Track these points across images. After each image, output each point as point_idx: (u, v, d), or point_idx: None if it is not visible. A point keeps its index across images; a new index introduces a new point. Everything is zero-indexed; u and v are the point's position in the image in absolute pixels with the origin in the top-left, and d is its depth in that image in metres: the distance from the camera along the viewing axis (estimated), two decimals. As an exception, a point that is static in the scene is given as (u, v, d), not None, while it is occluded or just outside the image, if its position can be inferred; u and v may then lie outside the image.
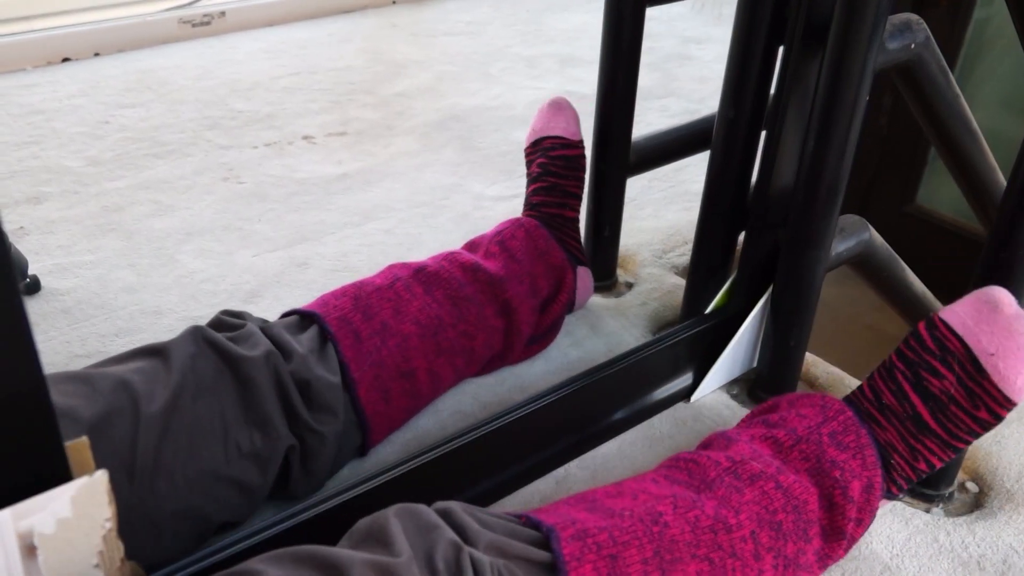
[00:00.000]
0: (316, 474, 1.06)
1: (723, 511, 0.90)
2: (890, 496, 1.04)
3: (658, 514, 0.88)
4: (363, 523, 0.82)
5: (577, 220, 1.40)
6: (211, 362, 1.00)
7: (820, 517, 0.96)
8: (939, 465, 1.03)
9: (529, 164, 1.42)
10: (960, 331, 0.99)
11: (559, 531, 0.83)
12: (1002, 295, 0.98)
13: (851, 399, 1.06)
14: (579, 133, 1.38)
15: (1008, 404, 0.97)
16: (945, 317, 1.01)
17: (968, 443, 1.01)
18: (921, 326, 1.02)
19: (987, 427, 0.99)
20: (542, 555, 0.81)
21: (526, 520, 0.87)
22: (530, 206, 1.39)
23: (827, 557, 0.97)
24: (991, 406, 0.98)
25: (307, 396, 1.03)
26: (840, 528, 0.96)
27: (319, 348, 1.08)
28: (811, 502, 0.95)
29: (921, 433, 1.01)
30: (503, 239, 1.30)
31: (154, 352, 1.00)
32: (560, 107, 1.38)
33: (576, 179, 1.38)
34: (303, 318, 1.13)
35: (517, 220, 1.35)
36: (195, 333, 1.02)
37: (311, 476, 1.06)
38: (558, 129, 1.37)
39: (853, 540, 0.99)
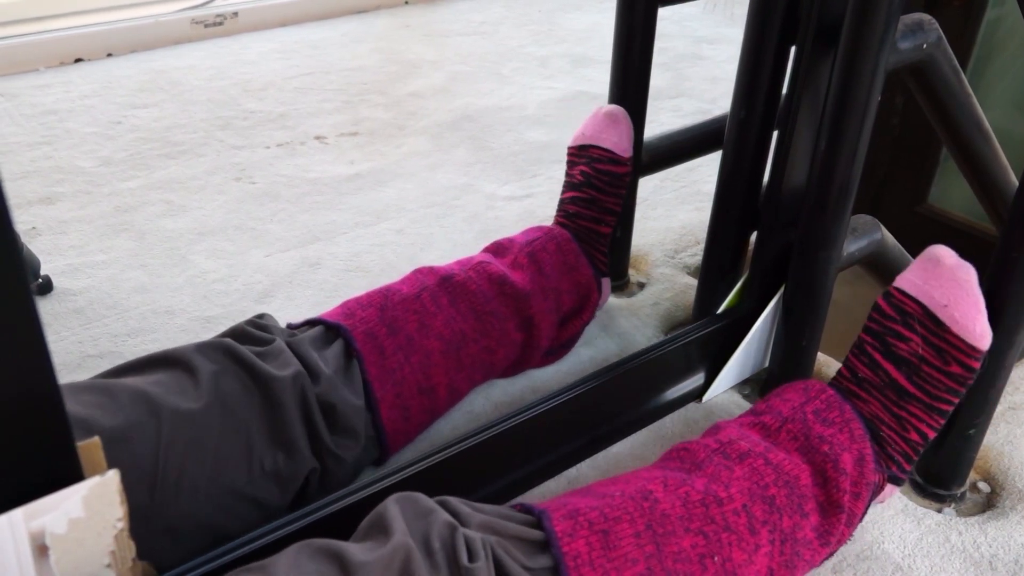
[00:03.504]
0: (332, 493, 1.06)
1: (713, 486, 0.92)
2: (896, 480, 1.04)
3: (648, 492, 0.89)
4: (367, 517, 0.84)
5: (610, 236, 1.37)
6: (238, 379, 0.99)
7: (816, 493, 0.97)
8: (930, 434, 1.04)
9: (570, 166, 1.38)
10: (912, 292, 1.03)
11: (551, 512, 0.85)
12: (941, 250, 1.02)
13: (831, 381, 1.10)
14: (630, 150, 1.34)
15: (974, 352, 1.00)
16: (897, 283, 1.05)
17: (952, 404, 1.03)
18: (879, 298, 1.06)
19: (963, 382, 1.02)
20: (535, 534, 0.83)
21: (520, 507, 0.88)
22: (565, 215, 1.36)
23: (827, 533, 0.97)
24: (960, 358, 1.00)
25: (331, 419, 1.03)
26: (837, 501, 0.96)
27: (344, 366, 1.08)
28: (803, 477, 0.96)
29: (902, 399, 1.03)
30: (533, 251, 1.28)
31: (174, 363, 0.99)
32: (616, 119, 1.33)
33: (617, 196, 1.35)
34: (328, 329, 1.12)
35: (550, 231, 1.33)
36: (219, 348, 1.01)
37: (327, 495, 1.06)
38: (609, 142, 1.33)
39: (853, 515, 1.00)
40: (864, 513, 1.02)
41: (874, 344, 1.06)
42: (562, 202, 1.38)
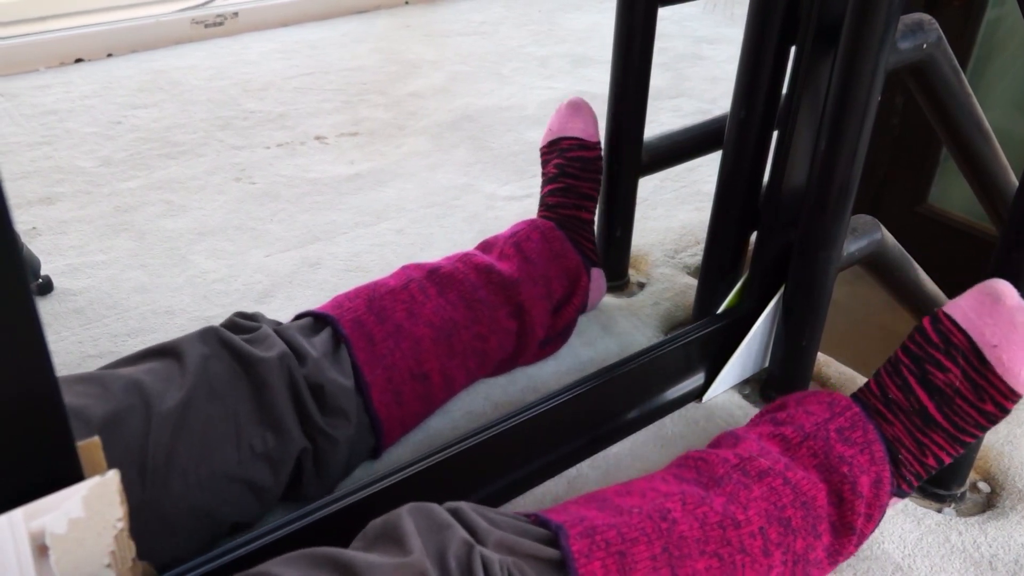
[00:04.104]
0: (328, 477, 1.07)
1: (732, 507, 0.90)
2: (900, 494, 1.04)
3: (667, 511, 0.88)
4: (376, 523, 0.82)
5: (592, 222, 1.39)
6: (225, 363, 1.00)
7: (829, 513, 0.96)
8: (947, 460, 1.03)
9: (545, 164, 1.41)
10: (964, 324, 1.00)
11: (568, 528, 0.84)
12: (1004, 287, 0.99)
13: (858, 395, 1.07)
14: (597, 135, 1.37)
15: (1013, 396, 0.98)
16: (948, 311, 1.01)
17: (975, 437, 1.01)
18: (925, 321, 1.03)
19: (993, 420, 1.00)
20: (551, 552, 0.82)
21: (535, 519, 0.87)
22: (546, 207, 1.38)
23: (837, 553, 0.97)
24: (996, 398, 0.98)
25: (320, 400, 1.03)
26: (850, 523, 0.96)
27: (333, 351, 1.08)
28: (820, 498, 0.95)
29: (928, 427, 1.01)
30: (518, 240, 1.29)
31: (166, 352, 1.00)
32: (578, 108, 1.37)
33: (592, 181, 1.37)
34: (317, 320, 1.13)
35: (532, 221, 1.34)
36: (209, 334, 1.02)
37: (324, 479, 1.06)
38: (576, 130, 1.36)
39: (863, 536, 0.99)
40: (872, 531, 1.02)
41: (911, 368, 1.02)
42: (542, 197, 1.40)
